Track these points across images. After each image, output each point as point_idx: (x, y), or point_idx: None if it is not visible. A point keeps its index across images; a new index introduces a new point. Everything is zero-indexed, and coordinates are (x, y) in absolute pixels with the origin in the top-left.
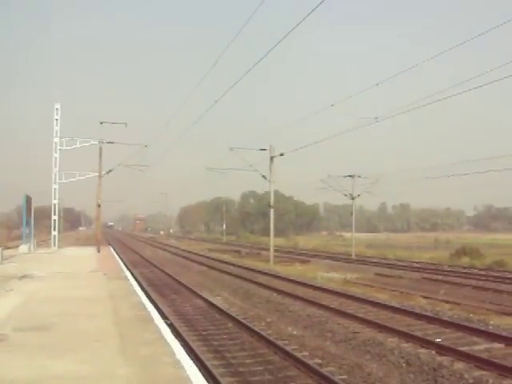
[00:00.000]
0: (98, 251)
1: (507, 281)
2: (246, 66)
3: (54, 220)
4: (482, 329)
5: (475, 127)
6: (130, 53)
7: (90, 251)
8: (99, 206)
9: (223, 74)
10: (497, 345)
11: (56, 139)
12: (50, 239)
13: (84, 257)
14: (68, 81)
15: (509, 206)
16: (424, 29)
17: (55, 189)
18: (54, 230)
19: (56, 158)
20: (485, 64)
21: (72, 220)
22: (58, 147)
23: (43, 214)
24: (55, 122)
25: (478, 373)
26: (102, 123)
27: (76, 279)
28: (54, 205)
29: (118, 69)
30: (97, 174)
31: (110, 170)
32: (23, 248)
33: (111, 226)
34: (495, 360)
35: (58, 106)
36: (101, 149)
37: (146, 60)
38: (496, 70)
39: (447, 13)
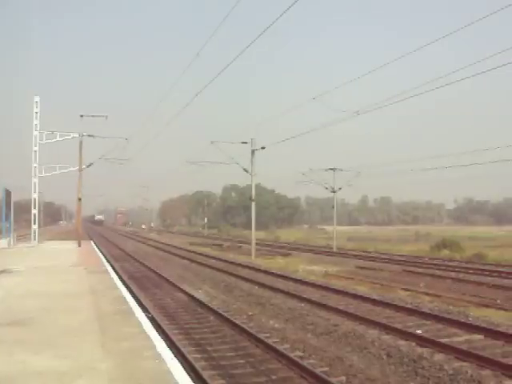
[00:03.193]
0: (79, 245)
1: (486, 273)
2: (227, 59)
3: (34, 214)
4: (462, 320)
5: (456, 121)
6: (111, 47)
7: (70, 245)
8: (80, 199)
9: (205, 67)
10: (476, 336)
11: (36, 132)
12: (30, 233)
13: (64, 251)
14: (48, 74)
15: (489, 199)
16: (409, 22)
17: (35, 183)
18: (34, 224)
19: (36, 152)
20: (470, 57)
21: (53, 214)
22: (38, 141)
23: (23, 209)
24: (35, 115)
25: (457, 364)
26: (82, 116)
27: (56, 274)
28: (34, 199)
29: (99, 62)
30: (77, 167)
31: (91, 164)
32: (3, 242)
33: (100, 222)
34: (475, 351)
35: (37, 98)
36: (81, 142)
37: (127, 53)
38: (481, 62)
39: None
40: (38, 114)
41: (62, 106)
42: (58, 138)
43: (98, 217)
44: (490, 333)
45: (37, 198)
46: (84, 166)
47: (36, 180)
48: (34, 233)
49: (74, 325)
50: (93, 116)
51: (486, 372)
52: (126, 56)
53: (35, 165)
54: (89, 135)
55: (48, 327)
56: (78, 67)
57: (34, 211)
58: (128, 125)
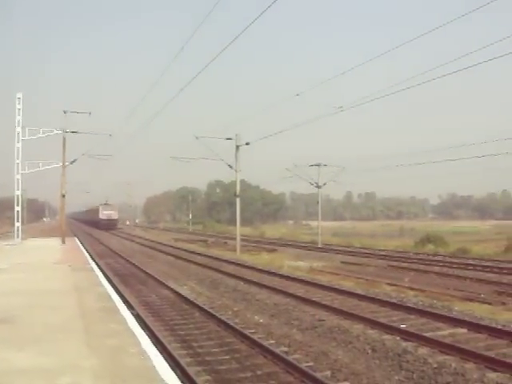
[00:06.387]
0: (63, 242)
1: (470, 267)
2: (211, 54)
3: (18, 211)
4: (446, 314)
5: (440, 116)
6: (93, 41)
7: (54, 242)
8: (63, 196)
9: (189, 61)
10: (460, 330)
11: (18, 129)
12: (13, 231)
13: (48, 248)
14: (30, 70)
15: (472, 194)
16: (396, 17)
17: (18, 179)
18: (18, 221)
19: (18, 148)
20: (455, 52)
21: (36, 211)
22: (21, 137)
23: (6, 206)
24: (17, 111)
25: (441, 357)
26: (65, 112)
27: (40, 271)
28: (17, 196)
29: (82, 57)
30: (60, 164)
31: (74, 160)
32: None
33: (112, 221)
34: (458, 345)
35: (19, 95)
36: (64, 138)
37: (110, 48)
38: (464, 58)
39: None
40: (21, 111)
41: (44, 102)
42: (40, 135)
43: (107, 213)
44: (474, 326)
45: (20, 195)
46: (67, 163)
47: (19, 177)
48: (18, 230)
49: (59, 322)
50: (76, 112)
51: (470, 365)
52: (108, 51)
53: (18, 161)
54: (72, 131)
55: (32, 325)
56: (60, 63)
57: (17, 208)
58: (111, 121)
